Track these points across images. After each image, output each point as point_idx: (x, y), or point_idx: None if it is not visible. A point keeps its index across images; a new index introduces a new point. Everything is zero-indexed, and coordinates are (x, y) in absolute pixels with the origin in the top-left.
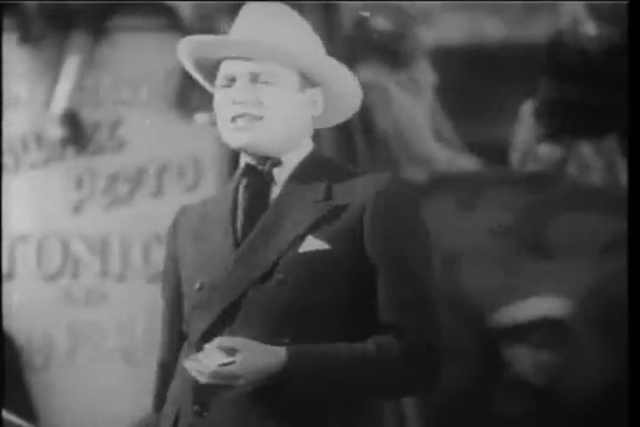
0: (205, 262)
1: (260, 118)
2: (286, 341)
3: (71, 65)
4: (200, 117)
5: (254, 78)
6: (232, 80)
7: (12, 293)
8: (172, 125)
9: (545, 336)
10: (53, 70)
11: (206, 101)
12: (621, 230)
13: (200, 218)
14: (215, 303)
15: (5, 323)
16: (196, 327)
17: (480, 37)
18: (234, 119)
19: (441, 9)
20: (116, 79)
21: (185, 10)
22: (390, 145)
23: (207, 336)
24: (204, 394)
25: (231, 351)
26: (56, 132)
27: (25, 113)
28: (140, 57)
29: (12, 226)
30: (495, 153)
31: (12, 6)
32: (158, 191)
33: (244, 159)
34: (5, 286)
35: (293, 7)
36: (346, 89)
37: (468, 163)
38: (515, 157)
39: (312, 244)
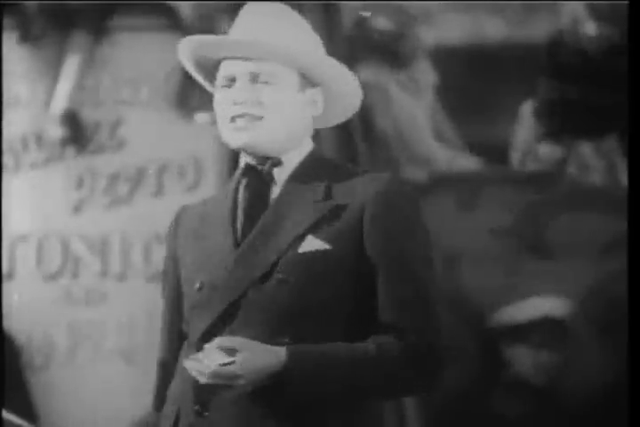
0: (205, 262)
1: (260, 118)
2: (286, 340)
3: (71, 64)
4: (200, 117)
5: (254, 78)
6: (232, 80)
7: (12, 292)
8: (173, 125)
9: (545, 336)
10: (53, 70)
11: (206, 101)
12: (621, 230)
13: (200, 218)
14: (215, 303)
15: (5, 323)
16: (195, 327)
17: (480, 37)
18: (234, 119)
19: (441, 9)
20: (116, 79)
21: (185, 10)
22: (390, 145)
23: (207, 336)
24: (204, 394)
25: (231, 351)
26: (56, 131)
27: (25, 113)
28: (140, 57)
29: (12, 226)
30: (495, 153)
31: (13, 6)
32: (158, 191)
33: (244, 159)
34: (5, 285)
35: (293, 7)
36: (346, 89)
37: (468, 163)
38: (515, 157)
39: (312, 244)
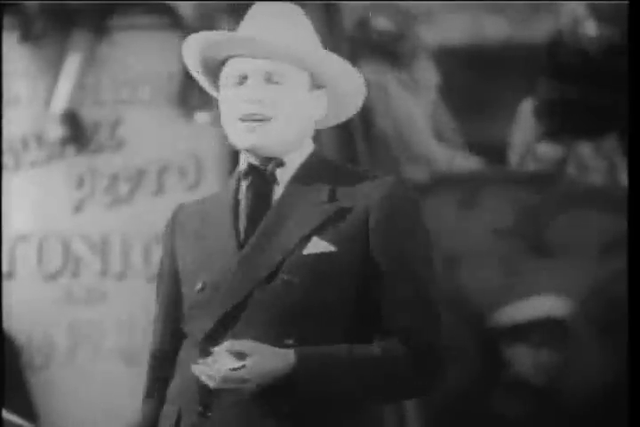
0: (207, 262)
1: (270, 119)
2: (291, 342)
3: (72, 64)
4: (200, 117)
5: (268, 78)
6: (244, 78)
7: (13, 292)
8: (173, 124)
9: (545, 336)
10: (54, 69)
11: (207, 101)
12: (622, 230)
13: (200, 217)
14: (218, 304)
15: (5, 322)
16: (197, 328)
17: (481, 37)
18: (244, 119)
19: (441, 9)
20: (116, 78)
21: (185, 9)
22: (390, 145)
23: (211, 337)
24: (208, 395)
25: (240, 355)
26: (56, 131)
27: (25, 112)
28: (140, 56)
29: (13, 225)
30: (496, 152)
31: (13, 5)
32: (159, 191)
33: (247, 159)
34: (6, 285)
35: None
36: (352, 89)
37: (468, 162)
38: (514, 157)
39: (318, 245)
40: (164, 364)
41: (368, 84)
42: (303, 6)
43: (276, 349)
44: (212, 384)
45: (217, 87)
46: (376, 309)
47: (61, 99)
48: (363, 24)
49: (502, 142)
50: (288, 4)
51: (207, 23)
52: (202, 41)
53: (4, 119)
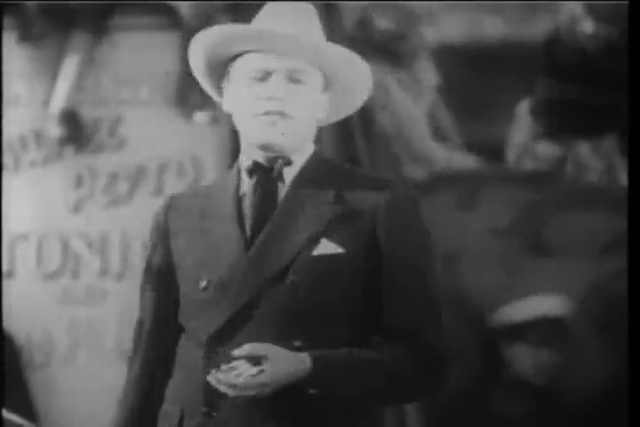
0: (210, 259)
1: (291, 117)
2: (298, 344)
3: (71, 64)
4: (200, 116)
5: (290, 76)
6: (267, 74)
7: (12, 291)
8: (172, 124)
9: (545, 336)
10: (53, 69)
11: (206, 100)
12: (621, 229)
13: (199, 212)
14: (226, 305)
15: (5, 322)
16: (201, 327)
17: (479, 36)
18: (266, 114)
19: (440, 8)
20: (115, 78)
21: (185, 9)
22: (390, 143)
23: (218, 338)
24: (214, 396)
25: (255, 359)
26: (56, 131)
27: (24, 112)
28: (139, 56)
29: (12, 225)
30: (494, 152)
31: (13, 5)
32: (158, 190)
33: (252, 156)
34: (5, 284)
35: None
36: (362, 89)
37: (467, 161)
38: (512, 156)
39: (327, 247)
40: (157, 369)
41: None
42: None
43: (291, 352)
44: (231, 393)
45: (218, 84)
46: (378, 309)
47: (60, 99)
48: (363, 24)
49: (501, 142)
50: (302, 3)
51: (206, 23)
52: (220, 33)
53: (4, 119)
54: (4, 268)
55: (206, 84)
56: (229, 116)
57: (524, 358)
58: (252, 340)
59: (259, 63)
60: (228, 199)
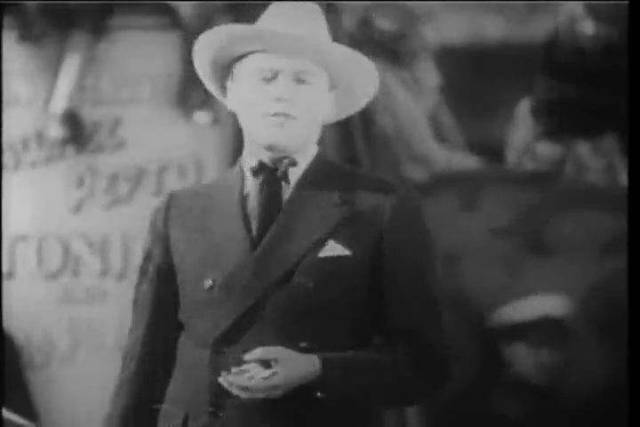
0: (214, 259)
1: (296, 118)
2: (305, 345)
3: (71, 64)
4: (200, 117)
5: (297, 77)
6: (275, 74)
7: (13, 292)
8: (173, 124)
9: (545, 335)
10: (53, 69)
11: (207, 100)
12: (621, 229)
13: (201, 210)
14: (232, 306)
15: (5, 322)
16: (206, 328)
17: (480, 37)
18: (275, 115)
19: (441, 8)
20: (116, 78)
21: (185, 9)
22: (390, 144)
23: (225, 339)
24: (221, 397)
25: (266, 362)
26: (56, 131)
27: (25, 112)
28: (140, 56)
29: (13, 225)
30: (495, 152)
31: (13, 5)
32: (159, 190)
33: (257, 156)
34: (6, 285)
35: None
36: (367, 90)
37: (468, 162)
38: (512, 156)
39: (333, 249)
40: (153, 366)
41: None
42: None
43: (300, 354)
44: (243, 395)
45: (222, 83)
46: (380, 309)
47: (61, 99)
48: (364, 24)
49: (501, 142)
50: (308, 3)
51: (206, 23)
52: (226, 34)
53: (4, 119)
54: (5, 268)
55: (210, 84)
56: (230, 117)
57: (524, 358)
58: (258, 341)
59: (265, 63)
60: (232, 198)
